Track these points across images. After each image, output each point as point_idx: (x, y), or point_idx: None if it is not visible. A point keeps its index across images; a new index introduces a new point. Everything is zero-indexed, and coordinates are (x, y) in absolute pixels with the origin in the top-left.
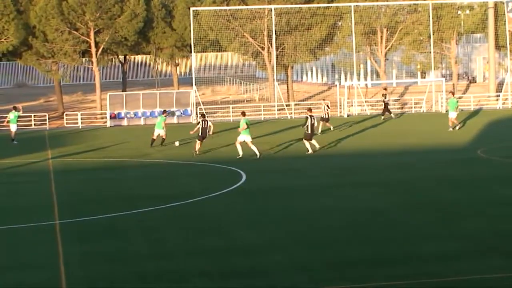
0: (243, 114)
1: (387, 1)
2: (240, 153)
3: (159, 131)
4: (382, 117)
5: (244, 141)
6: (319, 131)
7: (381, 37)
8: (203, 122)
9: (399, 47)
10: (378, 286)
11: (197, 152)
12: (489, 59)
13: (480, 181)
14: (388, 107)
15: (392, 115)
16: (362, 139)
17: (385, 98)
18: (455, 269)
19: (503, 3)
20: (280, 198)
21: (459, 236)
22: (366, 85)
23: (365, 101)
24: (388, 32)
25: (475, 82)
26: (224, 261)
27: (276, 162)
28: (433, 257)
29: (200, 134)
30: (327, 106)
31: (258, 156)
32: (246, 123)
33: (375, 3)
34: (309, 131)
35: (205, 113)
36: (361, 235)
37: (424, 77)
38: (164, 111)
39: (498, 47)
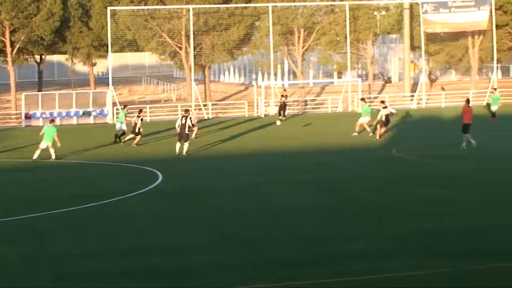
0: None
1: (304, 1)
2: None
3: (121, 126)
4: (281, 117)
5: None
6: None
7: (299, 37)
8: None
9: (316, 48)
10: (305, 285)
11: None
12: (404, 60)
13: (399, 180)
14: (286, 108)
15: (282, 117)
16: (282, 139)
17: (285, 99)
18: (379, 268)
19: (418, 5)
20: (198, 198)
21: (382, 234)
22: (283, 85)
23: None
24: (305, 33)
25: (391, 82)
26: (146, 262)
27: (196, 162)
28: (358, 255)
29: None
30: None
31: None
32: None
33: (292, 4)
34: None
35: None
36: (286, 234)
37: (341, 77)
38: (125, 106)
39: (413, 47)
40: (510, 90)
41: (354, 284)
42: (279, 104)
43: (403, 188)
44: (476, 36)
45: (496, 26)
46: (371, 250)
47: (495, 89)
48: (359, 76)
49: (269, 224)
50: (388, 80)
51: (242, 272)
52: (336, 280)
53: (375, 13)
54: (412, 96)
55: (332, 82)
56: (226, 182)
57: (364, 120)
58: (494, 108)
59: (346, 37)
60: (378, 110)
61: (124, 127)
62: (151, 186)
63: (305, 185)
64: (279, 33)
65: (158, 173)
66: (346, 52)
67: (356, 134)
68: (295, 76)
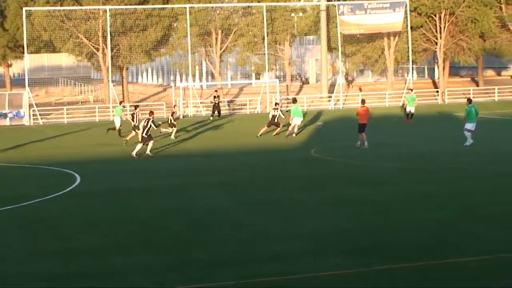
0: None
1: (221, 3)
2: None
3: (118, 120)
4: (211, 118)
5: None
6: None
7: (216, 38)
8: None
9: (234, 49)
10: (225, 285)
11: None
12: (322, 61)
13: (318, 180)
14: (219, 109)
15: (212, 118)
16: (203, 140)
17: (218, 99)
18: (300, 267)
19: (335, 6)
20: (117, 199)
21: (303, 234)
22: (201, 86)
23: (200, 102)
24: (223, 34)
25: (308, 83)
26: (64, 264)
27: (114, 163)
28: (278, 255)
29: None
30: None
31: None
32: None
33: (210, 5)
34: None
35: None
36: (206, 235)
37: (259, 79)
38: (121, 102)
39: (330, 49)
40: (426, 91)
41: (275, 284)
42: (212, 104)
43: (322, 188)
44: (392, 38)
45: (411, 27)
46: (291, 250)
47: (411, 89)
48: (277, 77)
49: (189, 225)
50: (306, 81)
51: (161, 274)
52: (257, 281)
53: (292, 14)
54: (330, 97)
55: (251, 83)
56: (146, 183)
57: (296, 121)
58: (410, 109)
59: (263, 39)
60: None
61: (118, 123)
62: (69, 188)
63: (226, 186)
64: (197, 34)
65: (76, 175)
66: (264, 54)
67: (294, 135)
68: (213, 77)
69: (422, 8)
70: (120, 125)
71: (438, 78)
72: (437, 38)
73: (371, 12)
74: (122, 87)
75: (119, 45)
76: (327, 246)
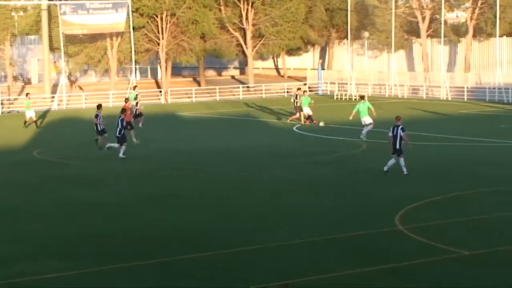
0: None
1: None
2: None
3: (30, 113)
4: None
5: None
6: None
7: None
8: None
9: None
10: None
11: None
12: (44, 61)
13: (41, 183)
14: None
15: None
16: None
17: None
18: (22, 271)
19: (57, 6)
20: None
21: (20, 238)
22: None
23: None
24: None
25: (31, 83)
26: None
27: None
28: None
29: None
30: None
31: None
32: None
33: None
34: None
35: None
36: None
37: None
38: (27, 94)
39: (52, 49)
40: (149, 91)
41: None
42: None
43: (43, 191)
44: (115, 38)
45: (134, 28)
46: (9, 254)
47: (305, 91)
48: None
49: None
50: (28, 81)
51: None
52: None
53: (13, 13)
54: (53, 97)
55: None
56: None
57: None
58: (307, 110)
59: None
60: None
61: (33, 114)
62: None
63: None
64: None
65: None
66: None
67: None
68: None
69: (144, 9)
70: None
71: (161, 78)
72: (159, 39)
73: (93, 12)
74: None
75: None
76: (45, 249)
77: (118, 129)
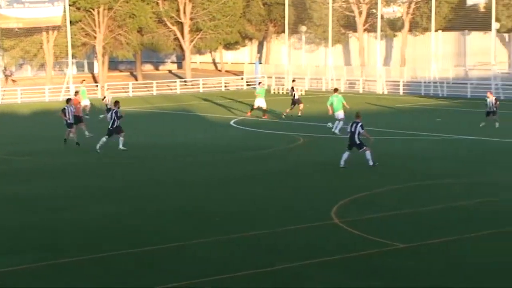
0: None
1: None
2: None
3: None
4: None
5: None
6: None
7: None
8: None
9: None
10: None
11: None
12: None
13: None
14: None
15: None
16: None
17: None
18: None
19: None
20: None
21: None
22: None
23: None
24: None
25: None
26: None
27: None
28: None
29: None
30: None
31: None
32: None
33: None
34: None
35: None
36: None
37: None
38: None
39: None
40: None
41: None
42: None
43: None
44: (51, 32)
45: (70, 22)
46: None
47: (260, 82)
48: None
49: None
50: None
51: None
52: None
53: None
54: None
55: None
56: None
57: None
58: (260, 101)
59: None
60: None
61: None
62: None
63: None
64: None
65: None
66: None
67: None
68: None
69: (81, 3)
70: None
71: (98, 73)
72: (96, 33)
73: (30, 6)
74: None
75: None
76: None
77: (112, 121)
